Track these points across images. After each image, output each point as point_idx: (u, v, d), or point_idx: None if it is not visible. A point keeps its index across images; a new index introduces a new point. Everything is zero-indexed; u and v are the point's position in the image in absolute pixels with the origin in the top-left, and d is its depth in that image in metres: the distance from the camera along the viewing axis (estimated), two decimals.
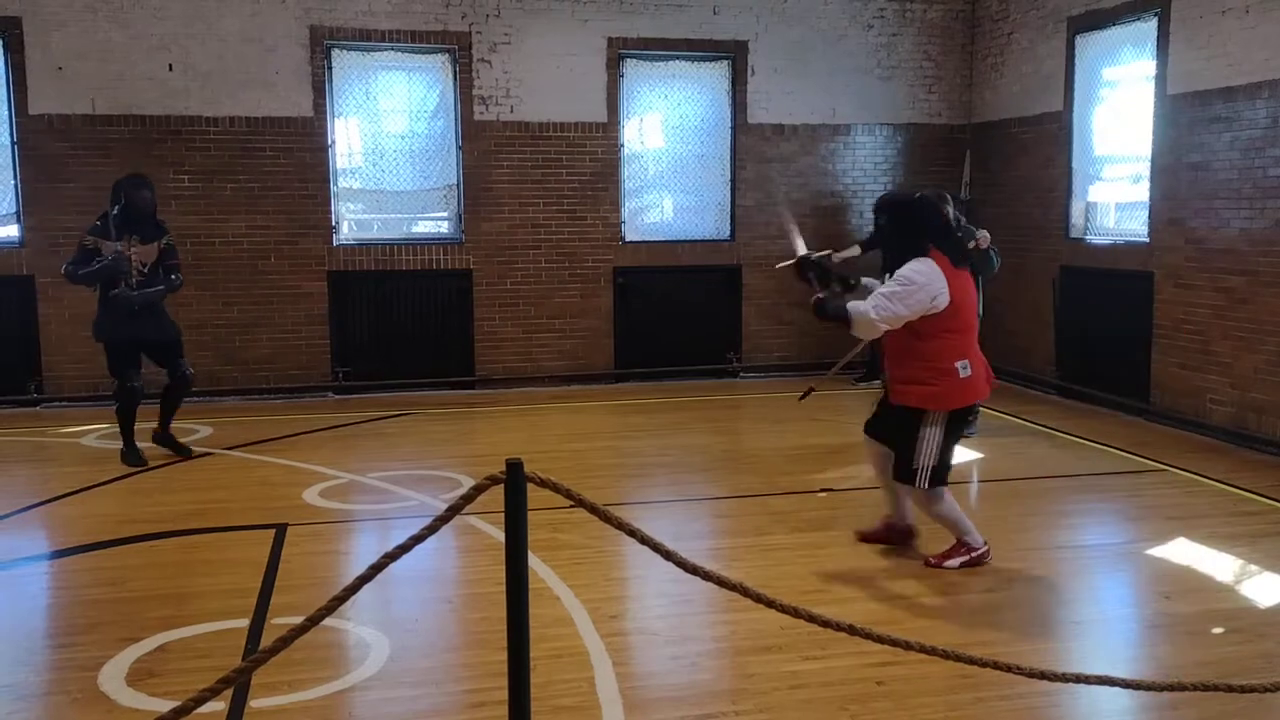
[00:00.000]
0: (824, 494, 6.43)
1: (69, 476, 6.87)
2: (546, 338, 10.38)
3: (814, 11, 10.60)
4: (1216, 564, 5.20)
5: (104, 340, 7.13)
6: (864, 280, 5.24)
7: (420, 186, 10.14)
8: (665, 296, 10.45)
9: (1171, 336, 8.40)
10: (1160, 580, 5.07)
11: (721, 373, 10.52)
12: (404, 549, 2.75)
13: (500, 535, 2.81)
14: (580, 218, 10.29)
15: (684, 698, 3.82)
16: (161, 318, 7.22)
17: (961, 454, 7.53)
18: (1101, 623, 4.70)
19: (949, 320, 4.86)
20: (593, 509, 2.96)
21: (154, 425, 7.40)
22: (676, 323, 10.53)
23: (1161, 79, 8.39)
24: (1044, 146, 9.93)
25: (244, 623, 4.44)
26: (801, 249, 5.43)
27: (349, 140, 10.03)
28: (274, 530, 5.71)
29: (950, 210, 8.04)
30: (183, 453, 7.33)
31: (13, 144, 9.20)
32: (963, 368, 4.92)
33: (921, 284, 4.75)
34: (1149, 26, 8.58)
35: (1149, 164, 8.59)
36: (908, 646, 3.05)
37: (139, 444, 7.23)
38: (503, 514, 2.75)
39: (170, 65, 9.37)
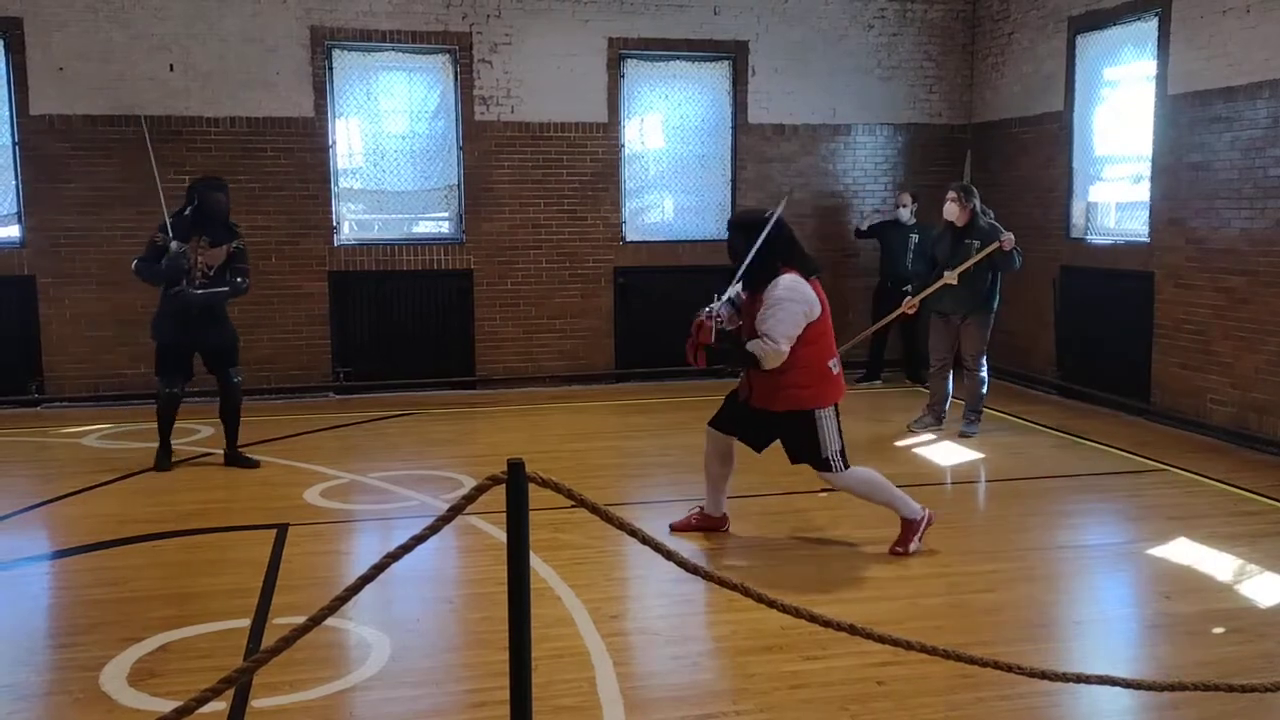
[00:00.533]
0: (824, 494, 6.42)
1: (70, 477, 6.87)
2: (547, 338, 10.39)
3: (814, 12, 10.60)
4: (1217, 564, 5.20)
5: (158, 340, 7.01)
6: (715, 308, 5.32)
7: (421, 187, 10.14)
8: (666, 296, 10.43)
9: (1172, 336, 8.40)
10: (1161, 580, 5.07)
11: (722, 373, 10.50)
12: (405, 549, 2.75)
13: (501, 535, 2.82)
14: (581, 218, 10.30)
15: (685, 698, 3.82)
16: (222, 323, 7.03)
17: (963, 454, 7.57)
18: (1102, 622, 4.71)
19: (820, 325, 5.15)
20: (594, 509, 2.97)
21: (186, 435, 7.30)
22: (677, 323, 10.48)
23: (1162, 79, 8.39)
24: (1044, 146, 9.93)
25: (245, 623, 4.45)
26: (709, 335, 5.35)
27: (350, 140, 10.03)
28: (275, 530, 5.72)
29: (977, 203, 8.04)
30: (251, 464, 7.09)
31: (14, 144, 9.20)
32: (834, 365, 5.24)
33: (798, 299, 5.05)
34: (1149, 26, 8.58)
35: (1149, 164, 8.59)
36: (908, 646, 3.05)
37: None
38: (504, 514, 2.76)
39: (171, 65, 9.38)
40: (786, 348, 5.01)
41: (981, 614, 4.61)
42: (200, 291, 6.82)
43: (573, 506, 2.90)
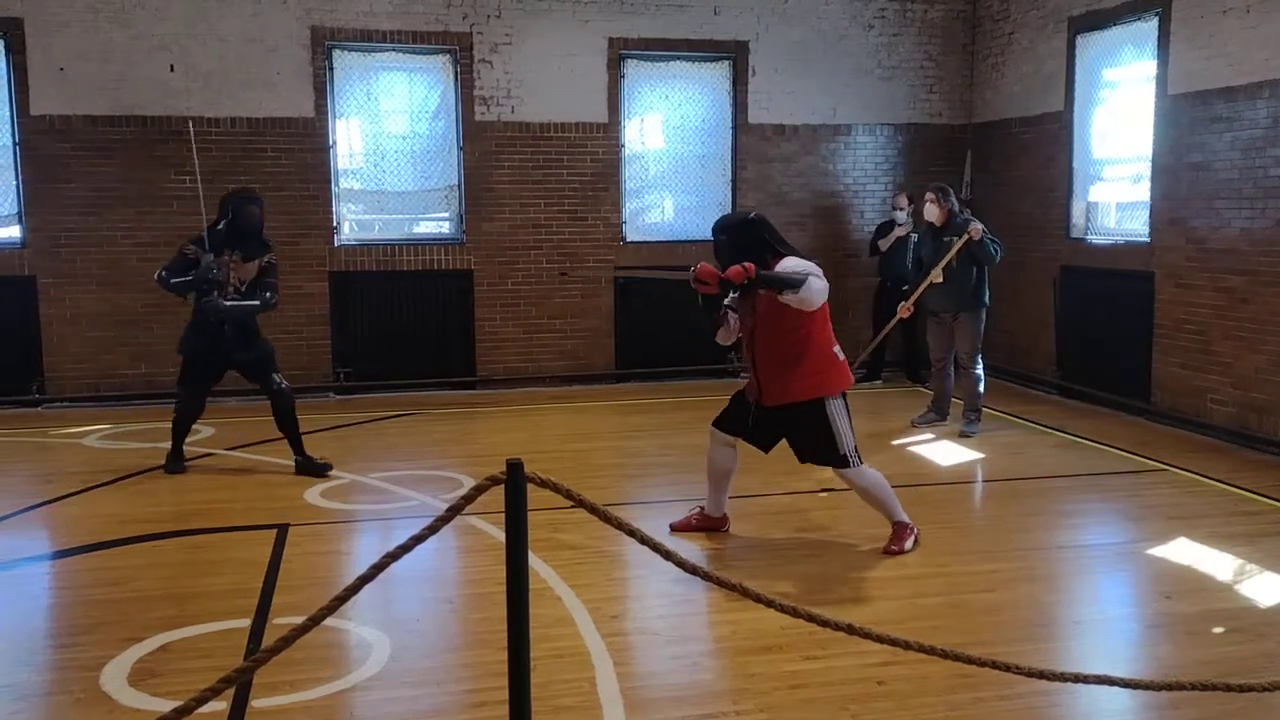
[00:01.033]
0: (825, 494, 6.43)
1: (71, 477, 6.88)
2: (547, 338, 10.39)
3: (815, 12, 10.60)
4: (1217, 564, 5.20)
5: (185, 355, 6.89)
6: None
7: (421, 187, 10.15)
8: (666, 296, 10.42)
9: (1172, 336, 8.40)
10: (1161, 580, 5.07)
11: (723, 373, 10.51)
12: (405, 549, 2.75)
13: (502, 535, 2.82)
14: (581, 218, 10.30)
15: (685, 697, 3.83)
16: (252, 337, 6.92)
17: (963, 454, 7.57)
18: (1102, 622, 4.71)
19: (825, 310, 5.12)
20: (592, 509, 2.97)
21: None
22: (677, 323, 10.52)
23: (1162, 79, 8.39)
24: (1045, 146, 9.93)
25: (246, 623, 4.45)
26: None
27: (350, 141, 10.04)
28: (275, 530, 5.72)
29: (954, 203, 8.12)
30: (323, 470, 6.96)
31: (14, 145, 9.21)
32: (838, 351, 5.26)
33: (818, 275, 4.91)
34: (1149, 26, 8.58)
35: (1150, 164, 8.59)
36: (906, 646, 3.05)
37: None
38: (504, 514, 2.76)
39: (171, 66, 9.39)
40: (818, 285, 4.82)
41: (981, 614, 4.61)
42: (229, 304, 6.70)
43: (572, 507, 2.91)
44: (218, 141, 9.54)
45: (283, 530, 5.73)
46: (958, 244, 7.77)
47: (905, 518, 5.41)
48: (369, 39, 9.73)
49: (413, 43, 9.82)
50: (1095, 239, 9.48)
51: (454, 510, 2.80)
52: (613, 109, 10.25)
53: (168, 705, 2.64)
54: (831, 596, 4.78)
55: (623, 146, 10.38)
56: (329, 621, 2.81)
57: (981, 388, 8.09)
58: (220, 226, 6.80)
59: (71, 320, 9.41)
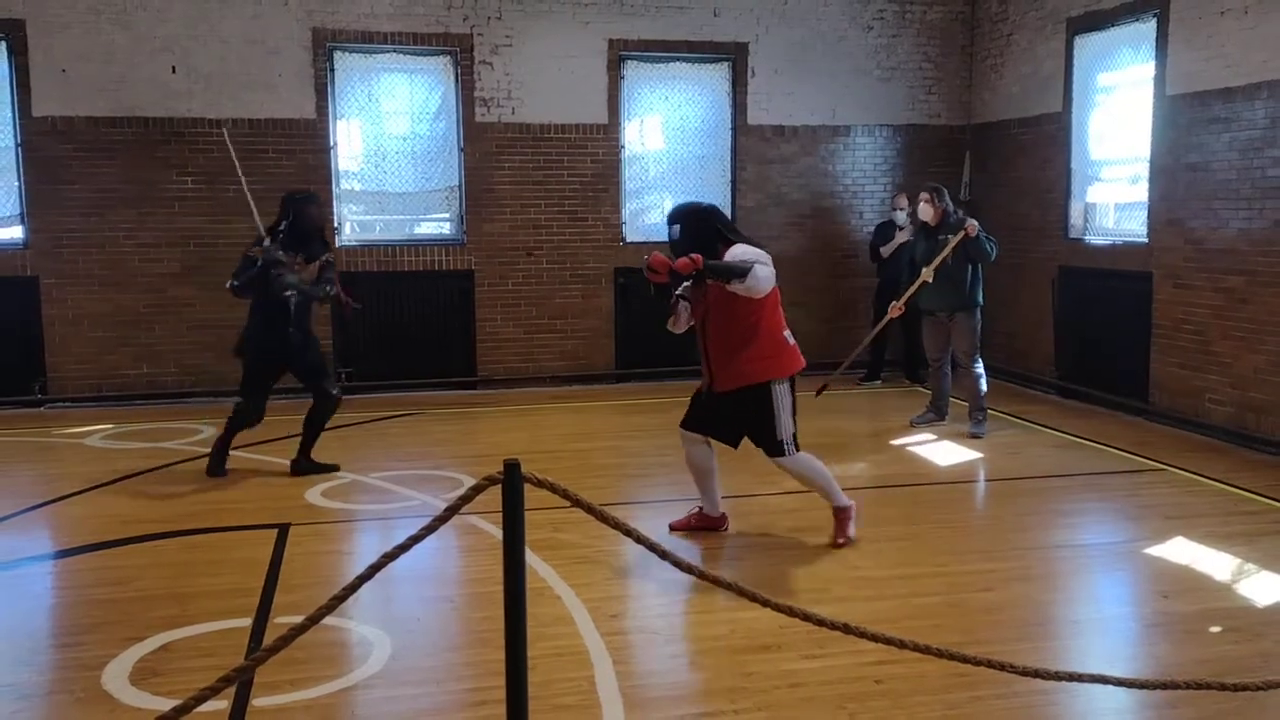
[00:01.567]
0: None
1: (73, 477, 6.90)
2: (548, 338, 10.41)
3: (814, 13, 10.62)
4: (1215, 563, 5.22)
5: (252, 359, 6.80)
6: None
7: (422, 188, 10.17)
8: (667, 297, 10.45)
9: (1171, 336, 8.42)
10: (1159, 579, 5.09)
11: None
12: (402, 549, 2.77)
13: (501, 535, 2.84)
14: (581, 219, 10.32)
15: (684, 696, 3.85)
16: (310, 338, 6.93)
17: (961, 453, 7.58)
18: (1100, 622, 4.72)
19: (775, 295, 5.27)
20: (589, 509, 2.99)
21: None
22: None
23: (1160, 80, 8.40)
24: (1043, 147, 9.95)
25: (247, 622, 4.47)
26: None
27: (351, 142, 10.06)
28: (277, 530, 5.74)
29: (949, 202, 8.16)
30: (331, 469, 6.99)
31: (16, 146, 9.24)
32: (789, 335, 5.40)
33: (765, 261, 5.07)
34: (1148, 27, 8.60)
35: (1148, 165, 8.61)
36: (901, 645, 3.07)
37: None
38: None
39: (173, 67, 9.41)
40: (763, 274, 4.98)
41: (979, 613, 4.63)
42: (295, 280, 6.56)
43: (571, 506, 2.93)
44: (219, 143, 9.55)
45: (284, 530, 5.75)
46: (954, 240, 7.80)
47: (845, 500, 5.53)
48: (370, 40, 9.76)
49: (413, 44, 9.85)
50: (1094, 240, 9.50)
51: (451, 510, 2.82)
52: (613, 110, 10.27)
53: (169, 704, 2.66)
54: (829, 596, 4.79)
55: (622, 148, 10.40)
56: (331, 620, 2.83)
57: (983, 386, 8.10)
58: (281, 229, 6.68)
59: (74, 321, 9.44)
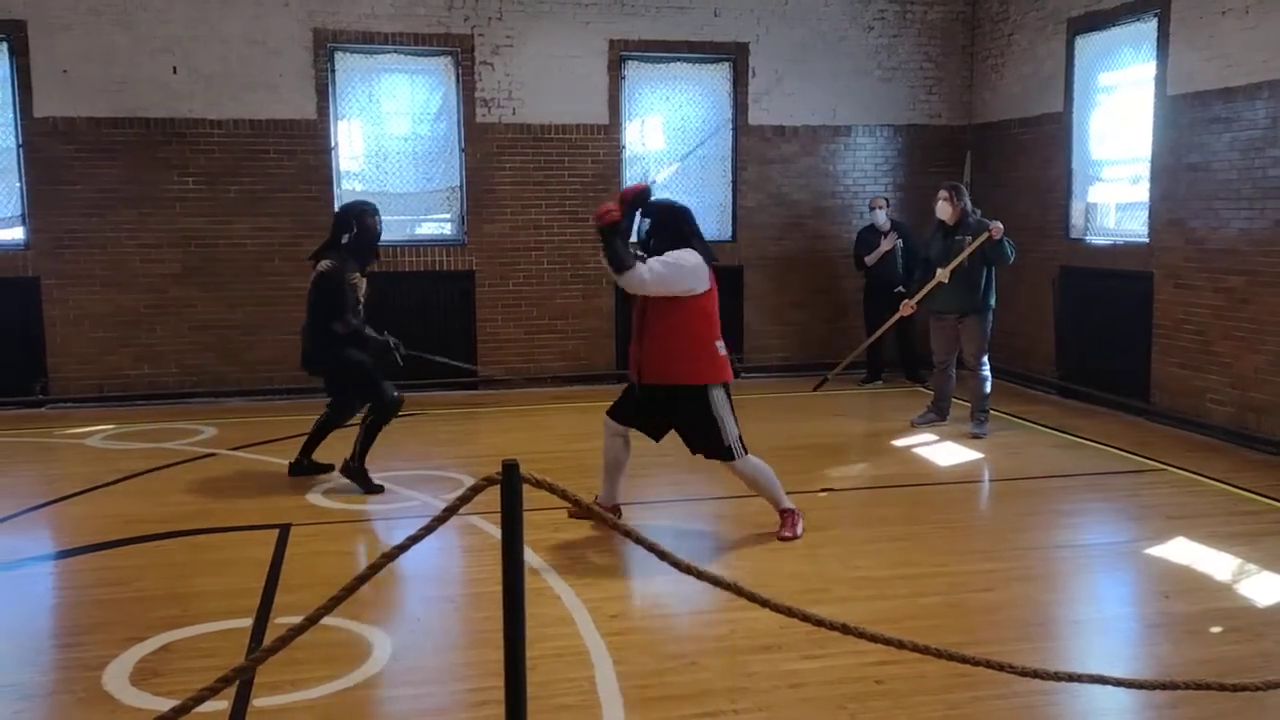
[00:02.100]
0: (825, 494, 6.45)
1: (74, 477, 6.91)
2: (549, 339, 10.41)
3: (814, 13, 10.62)
4: (1216, 563, 5.22)
5: (359, 361, 6.51)
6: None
7: (423, 189, 10.18)
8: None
9: (1172, 336, 8.42)
10: (1160, 579, 5.09)
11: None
12: (401, 549, 2.77)
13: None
14: (582, 219, 10.31)
15: (684, 696, 3.84)
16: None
17: (962, 453, 7.58)
18: (1100, 622, 4.72)
19: (707, 303, 5.38)
20: (588, 510, 3.00)
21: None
22: None
23: (1161, 80, 8.40)
24: (1044, 147, 9.95)
25: (248, 622, 4.48)
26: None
27: (352, 143, 10.07)
28: (278, 530, 5.74)
29: (967, 201, 8.13)
30: (325, 469, 6.91)
31: (18, 147, 9.25)
32: (720, 347, 5.43)
33: (690, 267, 5.28)
34: (1148, 27, 8.60)
35: (1149, 164, 8.60)
36: (900, 645, 3.07)
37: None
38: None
39: (174, 68, 9.42)
40: (651, 280, 5.20)
41: (980, 613, 4.63)
42: (370, 332, 6.50)
43: (571, 506, 2.93)
44: (220, 144, 9.58)
45: (285, 530, 5.75)
46: (978, 241, 7.74)
47: (791, 504, 5.60)
48: (371, 41, 9.76)
49: (414, 45, 9.85)
50: (1094, 239, 9.50)
51: (450, 510, 2.82)
52: (613, 110, 10.28)
53: (170, 705, 2.66)
54: (830, 596, 4.79)
55: (623, 148, 10.40)
56: (331, 621, 2.83)
57: (988, 388, 8.09)
58: (345, 241, 6.45)
59: (75, 321, 9.45)
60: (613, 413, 5.74)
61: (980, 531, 5.96)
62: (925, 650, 3.10)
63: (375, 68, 9.96)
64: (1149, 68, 8.60)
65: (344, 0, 9.65)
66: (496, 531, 5.54)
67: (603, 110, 10.25)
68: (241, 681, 3.74)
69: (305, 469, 6.91)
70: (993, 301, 8.06)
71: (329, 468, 6.98)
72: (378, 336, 6.60)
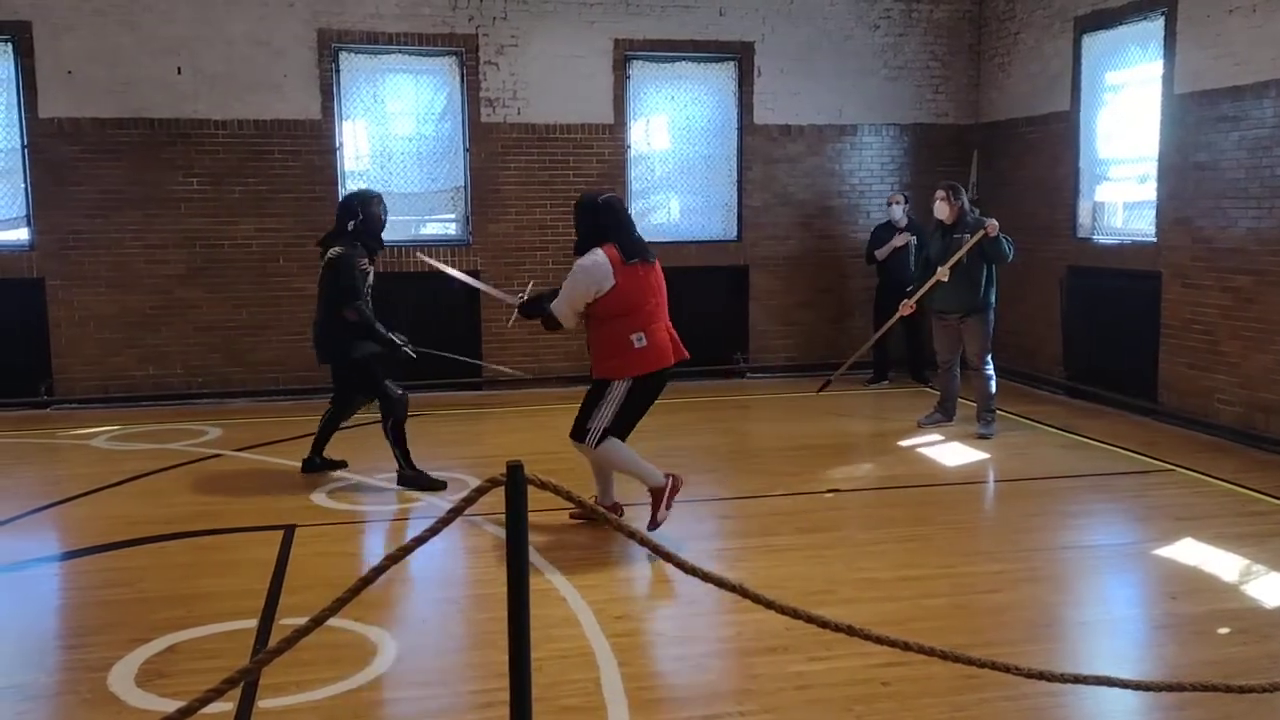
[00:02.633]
0: (831, 494, 6.44)
1: (79, 478, 6.91)
2: (554, 339, 10.37)
3: (820, 12, 10.60)
4: (1224, 564, 5.19)
5: (368, 357, 6.58)
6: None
7: (428, 188, 10.17)
8: (672, 297, 10.35)
9: (1179, 336, 8.39)
10: (1167, 580, 5.07)
11: (728, 373, 10.51)
12: (406, 550, 2.76)
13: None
14: None
15: (690, 698, 3.83)
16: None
17: (969, 454, 7.56)
18: (1108, 623, 4.70)
19: (615, 306, 5.44)
20: (591, 511, 2.98)
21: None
22: (683, 323, 10.44)
23: (1168, 78, 8.37)
24: (1051, 146, 9.92)
25: (252, 623, 4.47)
26: (500, 295, 6.27)
27: (357, 143, 10.06)
28: (282, 531, 5.74)
29: (965, 201, 8.11)
30: (337, 466, 7.00)
31: (23, 147, 9.26)
32: (637, 339, 5.51)
33: (586, 270, 5.39)
34: (1155, 26, 8.57)
35: (1156, 163, 8.58)
36: (906, 647, 3.05)
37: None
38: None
39: (179, 69, 9.42)
40: (569, 311, 5.48)
41: (987, 614, 4.61)
42: (396, 340, 6.64)
43: (576, 507, 2.92)
44: (225, 144, 9.58)
45: (289, 531, 5.75)
46: (974, 238, 7.74)
47: (655, 478, 5.54)
48: (375, 41, 9.76)
49: (419, 45, 9.84)
50: (1102, 239, 9.47)
51: (455, 512, 2.81)
52: (618, 110, 10.27)
53: (175, 706, 2.66)
54: (836, 597, 4.78)
55: (628, 147, 10.39)
56: (336, 622, 2.82)
57: (993, 388, 8.07)
58: (351, 229, 6.50)
59: (80, 322, 9.45)
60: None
61: (987, 532, 5.94)
62: (932, 652, 3.08)
63: (380, 68, 9.96)
64: (1156, 66, 8.57)
65: (349, 0, 9.65)
66: (501, 532, 5.55)
67: (607, 110, 10.24)
68: (247, 683, 3.73)
69: (318, 466, 6.93)
70: (994, 300, 8.04)
71: (342, 464, 6.99)
72: (386, 333, 6.60)
